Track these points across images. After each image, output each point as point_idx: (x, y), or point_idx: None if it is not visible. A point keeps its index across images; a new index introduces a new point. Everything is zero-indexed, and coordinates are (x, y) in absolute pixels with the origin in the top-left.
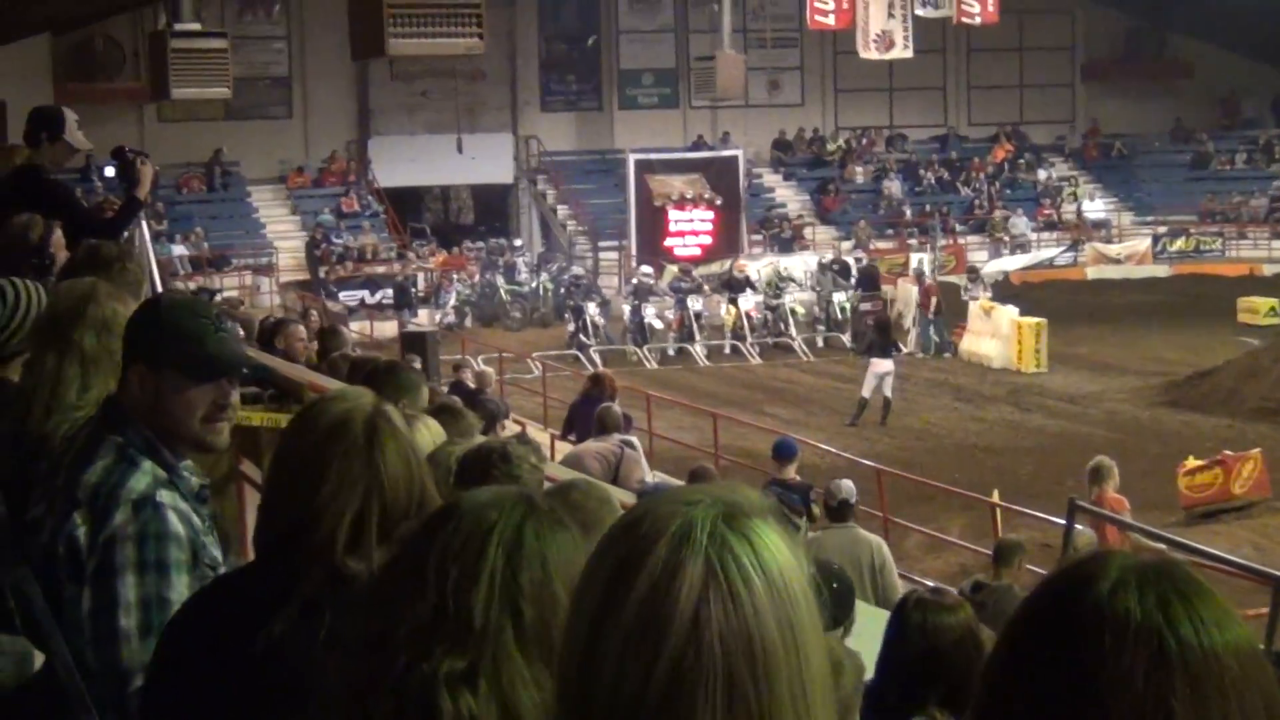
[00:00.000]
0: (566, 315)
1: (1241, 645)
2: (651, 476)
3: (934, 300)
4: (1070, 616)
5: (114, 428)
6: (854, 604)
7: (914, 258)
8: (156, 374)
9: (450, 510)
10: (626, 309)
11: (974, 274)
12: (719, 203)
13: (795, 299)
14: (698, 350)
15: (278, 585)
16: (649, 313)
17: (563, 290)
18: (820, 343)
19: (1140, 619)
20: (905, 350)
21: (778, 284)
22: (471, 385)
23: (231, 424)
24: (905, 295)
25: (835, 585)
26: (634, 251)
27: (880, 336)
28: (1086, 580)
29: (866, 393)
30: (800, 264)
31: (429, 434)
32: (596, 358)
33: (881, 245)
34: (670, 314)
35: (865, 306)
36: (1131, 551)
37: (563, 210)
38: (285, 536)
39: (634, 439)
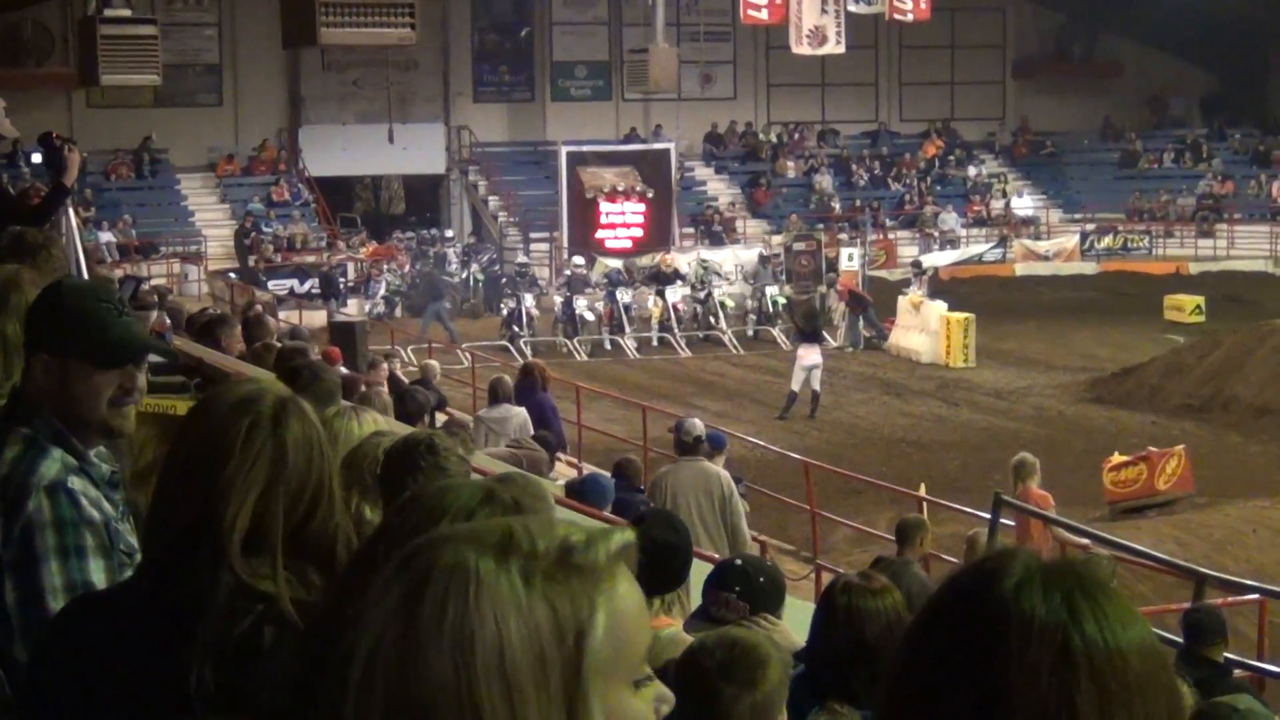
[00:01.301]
0: (500, 305)
1: (1145, 644)
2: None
3: (847, 296)
4: (975, 614)
5: (20, 419)
6: (784, 594)
7: (843, 253)
8: (61, 362)
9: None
10: (558, 301)
11: (918, 268)
12: (650, 195)
13: (725, 292)
14: (628, 343)
15: (176, 597)
16: (580, 305)
17: (503, 280)
18: (751, 333)
19: (1045, 617)
20: (835, 344)
21: (704, 277)
22: (401, 376)
23: (137, 407)
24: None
25: (762, 579)
26: (565, 243)
27: (805, 323)
28: (991, 577)
29: (795, 386)
30: (731, 257)
31: (364, 426)
32: (527, 350)
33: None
34: (601, 306)
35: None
36: (1037, 549)
37: (494, 201)
38: (182, 535)
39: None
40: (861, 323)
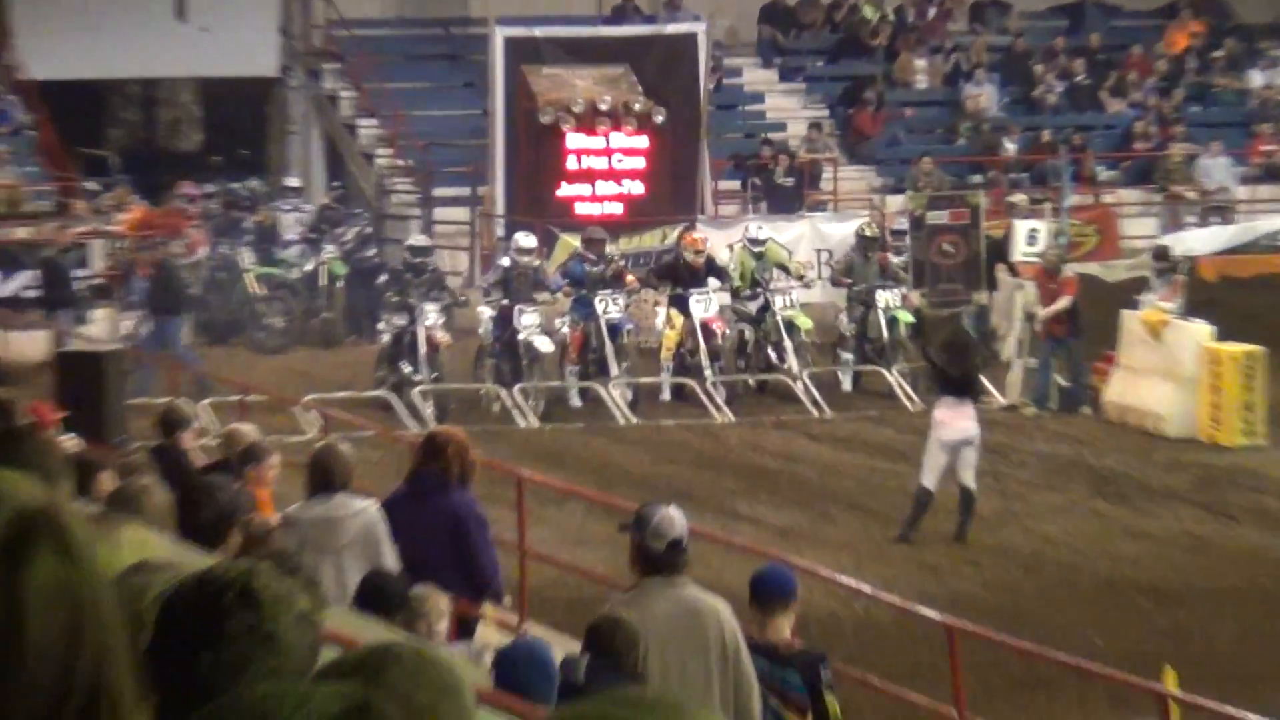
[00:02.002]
0: (379, 324)
1: None
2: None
3: (1063, 306)
4: None
5: None
6: None
7: (1022, 227)
8: None
9: None
10: (485, 316)
11: (1162, 258)
12: (661, 120)
13: (797, 301)
14: (614, 395)
15: None
16: (527, 323)
17: (384, 276)
18: (848, 385)
19: None
20: (1004, 401)
21: (759, 272)
22: (196, 452)
23: None
24: (1006, 297)
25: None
26: (500, 209)
27: (951, 363)
28: None
29: (930, 479)
30: (808, 236)
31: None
32: (427, 407)
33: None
34: (565, 326)
35: (941, 313)
36: None
37: (369, 128)
38: None
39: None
40: (1055, 361)
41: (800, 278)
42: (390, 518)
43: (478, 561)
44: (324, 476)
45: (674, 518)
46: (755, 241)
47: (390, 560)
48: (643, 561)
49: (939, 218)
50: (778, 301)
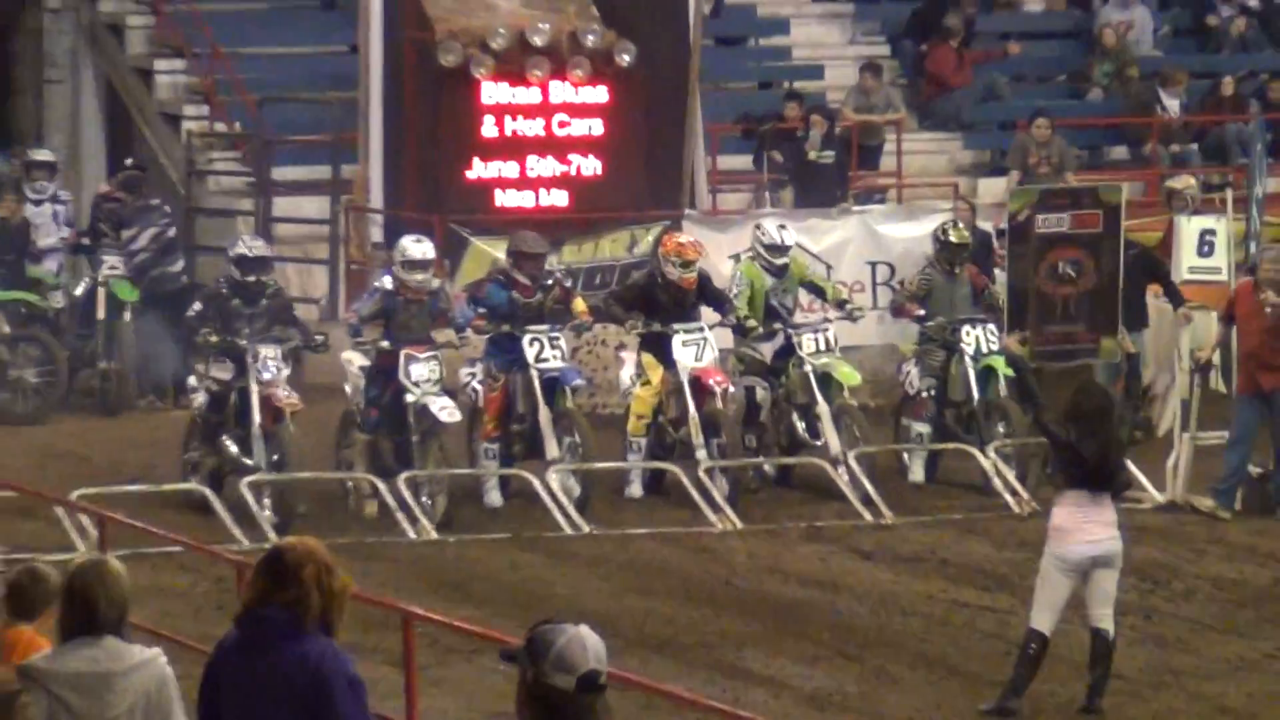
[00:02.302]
0: (192, 380)
1: None
2: None
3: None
4: None
5: None
6: None
7: (1190, 229)
8: None
9: None
10: (355, 365)
11: None
12: (628, 62)
13: (835, 342)
14: (554, 488)
15: None
16: (419, 377)
17: (196, 305)
18: (918, 473)
19: None
20: (1162, 498)
21: (782, 298)
22: None
23: None
24: (1164, 336)
25: None
26: (376, 199)
27: (1087, 440)
28: None
29: (1044, 620)
30: (858, 240)
31: None
32: (265, 508)
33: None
34: (477, 381)
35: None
36: None
37: (172, 73)
38: None
39: None
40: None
41: (843, 306)
42: (212, 678)
43: None
44: (86, 611)
45: (586, 641)
46: (773, 248)
47: None
48: (538, 707)
49: (1055, 223)
50: (806, 344)
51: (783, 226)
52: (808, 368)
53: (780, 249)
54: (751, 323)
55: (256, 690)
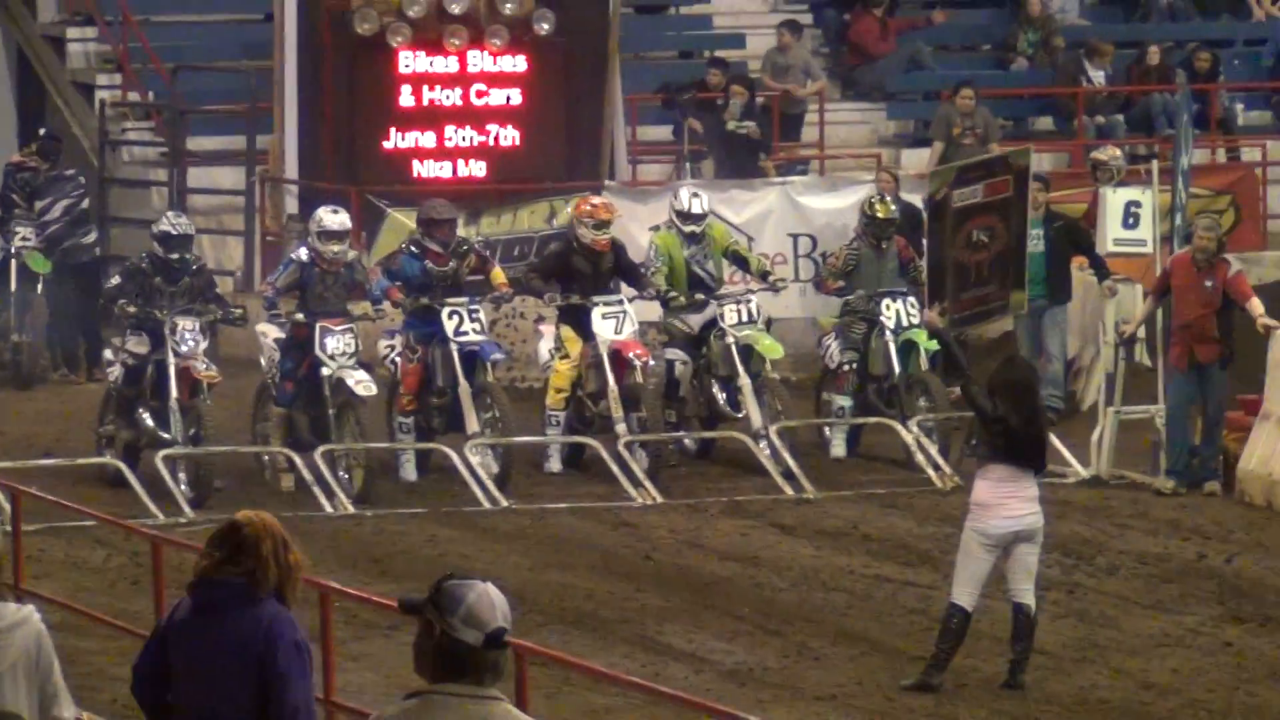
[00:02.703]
0: (108, 352)
1: None
2: None
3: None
4: None
5: None
6: None
7: (1116, 200)
8: None
9: None
10: (270, 338)
11: None
12: (547, 30)
13: (758, 313)
14: (473, 462)
15: None
16: (335, 349)
17: (115, 276)
18: (839, 447)
19: None
20: (1086, 472)
21: (702, 264)
22: None
23: None
24: (1089, 309)
25: None
26: (291, 169)
27: (1016, 412)
28: None
29: (965, 595)
30: (779, 209)
31: None
32: (181, 482)
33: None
34: (395, 353)
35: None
36: None
37: (84, 41)
38: None
39: None
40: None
41: (765, 277)
42: (161, 639)
43: (283, 713)
44: None
45: (494, 598)
46: (685, 215)
47: (65, 696)
48: (442, 660)
49: (969, 195)
50: (729, 315)
51: (696, 194)
52: (729, 339)
53: (692, 217)
54: (674, 295)
55: (210, 653)
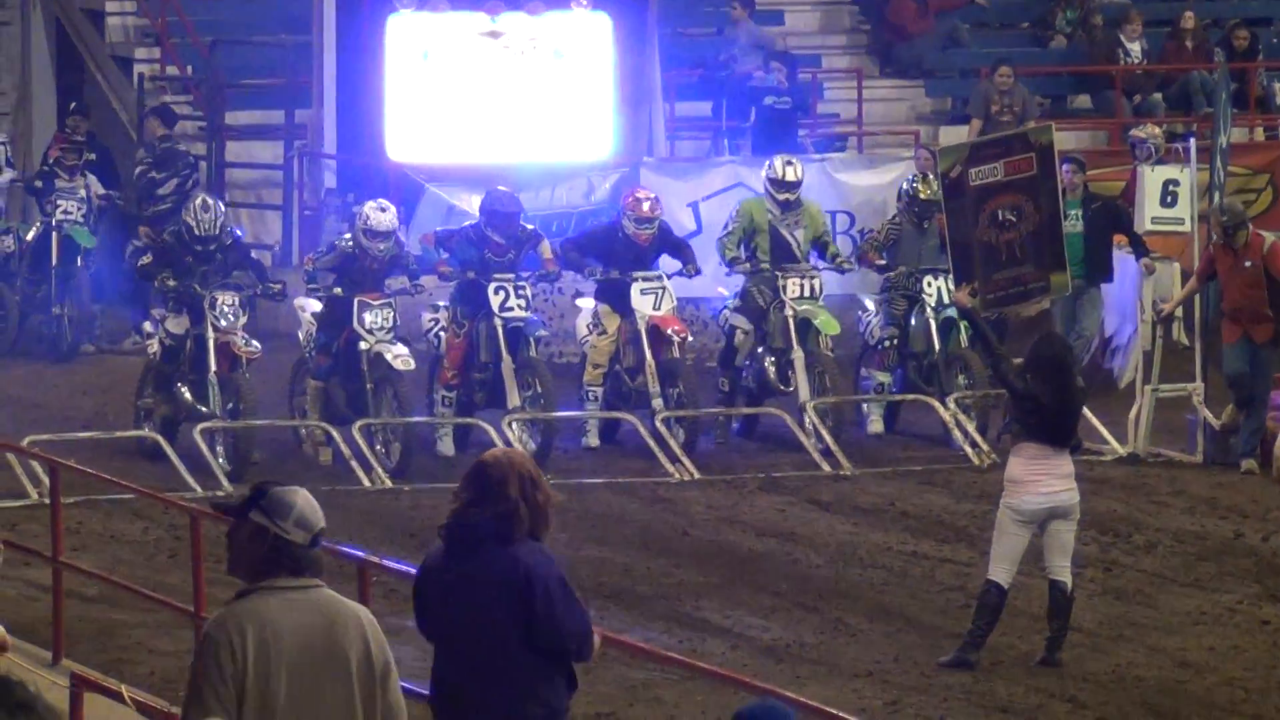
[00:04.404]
0: (146, 325)
1: None
2: None
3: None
4: None
5: None
6: None
7: (1154, 178)
8: None
9: None
10: (309, 312)
11: None
12: (587, 5)
13: (819, 290)
14: (511, 437)
15: None
16: (373, 324)
17: (146, 258)
18: (877, 423)
19: None
20: (1123, 450)
21: (793, 226)
22: None
23: None
24: (1128, 287)
25: None
26: (328, 141)
27: (1049, 389)
28: None
29: (1002, 571)
30: (820, 188)
31: None
32: (219, 455)
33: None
34: (438, 327)
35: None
36: None
37: (124, 16)
38: None
39: None
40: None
41: (835, 258)
42: (422, 593)
43: (565, 646)
44: None
45: (314, 503)
46: (781, 184)
47: None
48: (273, 559)
49: (988, 174)
50: (791, 288)
51: (790, 162)
52: (789, 312)
53: (786, 184)
54: (732, 254)
55: (466, 592)
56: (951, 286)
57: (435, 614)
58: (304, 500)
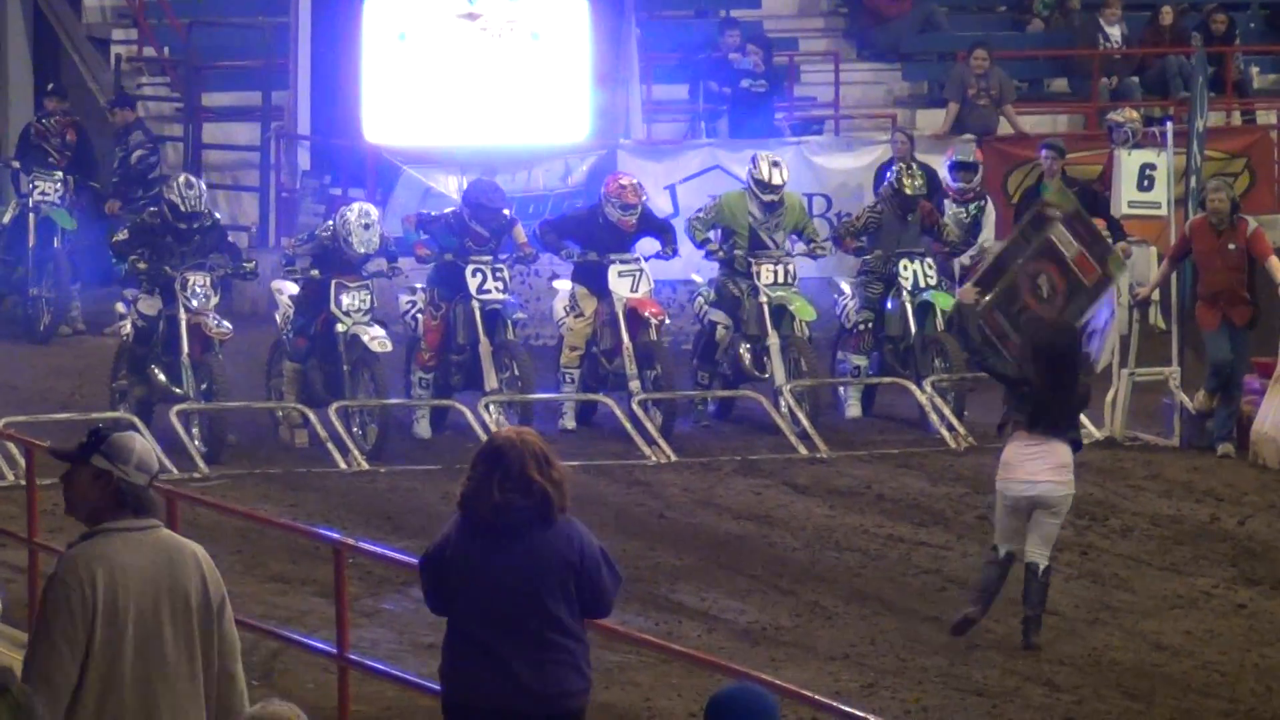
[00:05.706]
0: (120, 306)
1: None
2: None
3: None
4: None
5: None
6: None
7: (1130, 163)
8: None
9: None
10: (285, 294)
11: None
12: None
13: (794, 275)
14: (487, 420)
15: None
16: (350, 306)
17: (124, 235)
18: (854, 407)
19: None
20: (1099, 434)
21: (771, 233)
22: None
23: None
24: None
25: None
26: (304, 126)
27: (1046, 371)
28: None
29: (1003, 544)
30: (797, 172)
31: None
32: (194, 438)
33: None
34: (415, 308)
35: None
36: None
37: None
38: None
39: None
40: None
41: (811, 242)
42: (442, 573)
43: (602, 612)
44: None
45: (149, 445)
46: (765, 186)
47: None
48: (115, 500)
49: (1064, 245)
50: (765, 274)
51: (775, 164)
52: (763, 298)
53: (770, 187)
54: (712, 243)
55: (512, 576)
56: (929, 271)
57: (470, 596)
58: (141, 445)
